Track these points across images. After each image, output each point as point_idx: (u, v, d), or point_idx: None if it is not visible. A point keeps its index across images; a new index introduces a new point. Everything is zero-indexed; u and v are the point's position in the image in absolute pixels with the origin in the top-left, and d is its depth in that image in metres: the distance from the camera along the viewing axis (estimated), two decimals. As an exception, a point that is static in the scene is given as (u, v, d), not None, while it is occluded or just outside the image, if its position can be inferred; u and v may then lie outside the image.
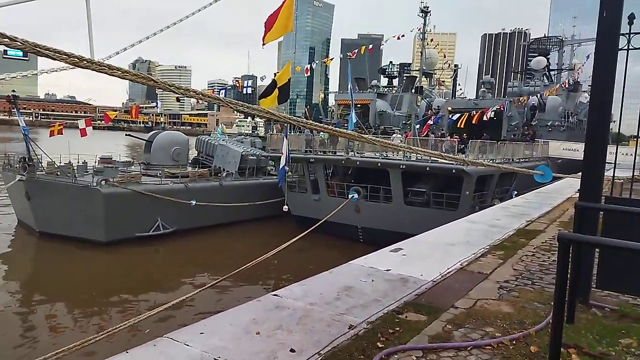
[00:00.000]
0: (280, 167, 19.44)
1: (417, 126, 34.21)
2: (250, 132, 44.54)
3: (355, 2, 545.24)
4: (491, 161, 21.08)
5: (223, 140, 30.76)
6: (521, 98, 35.36)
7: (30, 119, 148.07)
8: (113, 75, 2.93)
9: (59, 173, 20.78)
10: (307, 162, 24.21)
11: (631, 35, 4.51)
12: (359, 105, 36.84)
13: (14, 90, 21.38)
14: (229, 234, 23.69)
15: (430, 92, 47.39)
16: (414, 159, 21.48)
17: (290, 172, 25.10)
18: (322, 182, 24.10)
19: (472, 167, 18.74)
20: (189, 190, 23.02)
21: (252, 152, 29.67)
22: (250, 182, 27.10)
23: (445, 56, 47.14)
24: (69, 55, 2.69)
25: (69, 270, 17.63)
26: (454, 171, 20.37)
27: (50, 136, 20.80)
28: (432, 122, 34.02)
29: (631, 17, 4.60)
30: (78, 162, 23.14)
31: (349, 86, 24.67)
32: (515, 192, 21.42)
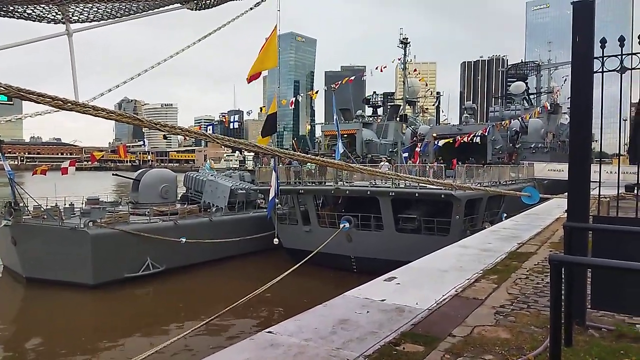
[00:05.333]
0: (270, 198, 19.41)
1: (406, 154, 34.58)
2: (238, 166, 44.56)
3: (337, 36, 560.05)
4: (478, 185, 21.27)
5: (211, 175, 30.70)
6: (503, 122, 36.09)
7: (16, 162, 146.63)
8: (98, 116, 2.92)
9: (45, 216, 20.46)
10: (296, 193, 24.20)
11: (604, 59, 4.66)
12: (345, 136, 37.28)
13: (-1, 135, 21.26)
14: (220, 270, 23.32)
15: (414, 120, 48.18)
16: (403, 186, 21.61)
17: (280, 205, 25.01)
18: (313, 212, 24.04)
19: (460, 191, 18.89)
20: (179, 227, 22.75)
21: (241, 186, 29.60)
22: (240, 217, 26.91)
23: (427, 84, 48.27)
24: (53, 98, 2.68)
25: (57, 315, 17.11)
26: (443, 196, 20.49)
27: (32, 174, 20.61)
28: (419, 149, 34.46)
29: (603, 41, 4.77)
30: (65, 205, 22.84)
31: (335, 117, 25.01)
32: (505, 215, 21.54)
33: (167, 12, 3.94)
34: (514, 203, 19.09)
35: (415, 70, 44.33)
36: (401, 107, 42.50)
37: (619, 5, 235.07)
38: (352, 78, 33.15)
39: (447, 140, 31.69)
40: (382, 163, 28.97)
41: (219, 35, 4.62)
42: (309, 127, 60.18)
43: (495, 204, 23.82)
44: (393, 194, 21.42)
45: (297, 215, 24.69)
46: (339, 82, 32.22)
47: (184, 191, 30.99)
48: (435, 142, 33.19)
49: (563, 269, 2.93)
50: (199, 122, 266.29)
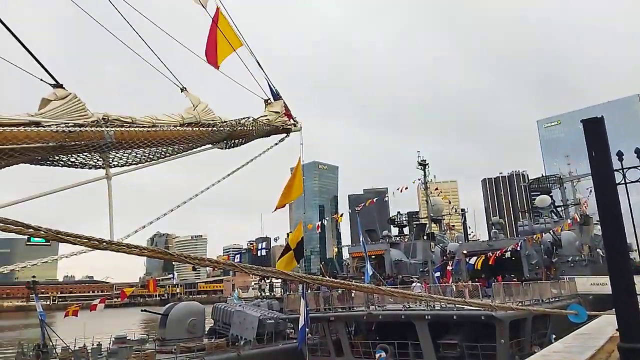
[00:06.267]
0: (299, 328, 18.60)
1: (437, 274, 33.50)
2: (267, 294, 43.69)
3: (357, 162, 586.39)
4: (520, 304, 20.06)
5: (240, 305, 30.03)
6: (535, 236, 35.23)
7: (48, 302, 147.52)
8: (131, 254, 3.01)
9: (72, 358, 20.04)
10: (327, 320, 23.18)
11: (625, 170, 4.69)
12: (373, 256, 36.75)
13: (34, 276, 22.08)
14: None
15: (442, 237, 47.57)
16: (439, 308, 20.53)
17: (310, 334, 23.84)
18: (345, 341, 22.73)
19: (501, 311, 17.77)
20: (205, 364, 21.67)
21: (270, 316, 28.65)
22: (269, 349, 25.56)
23: (450, 202, 48.51)
24: (89, 238, 2.81)
25: None
26: (483, 318, 19.25)
27: (65, 316, 20.68)
28: (451, 268, 33.41)
29: (620, 154, 4.83)
30: (92, 345, 22.39)
31: (361, 239, 24.97)
32: (554, 336, 19.89)
33: (199, 153, 4.28)
34: (562, 321, 17.73)
35: (436, 189, 45.03)
36: (427, 226, 42.33)
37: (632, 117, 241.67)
38: (375, 199, 33.76)
39: (480, 258, 30.80)
40: (414, 284, 27.97)
41: (245, 167, 4.91)
42: (335, 249, 60.03)
43: (541, 324, 22.15)
44: (429, 317, 20.29)
45: (329, 345, 23.35)
46: (362, 204, 32.82)
47: (212, 324, 30.14)
48: (467, 260, 32.25)
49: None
50: (227, 252, 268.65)
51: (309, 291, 25.73)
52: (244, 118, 4.77)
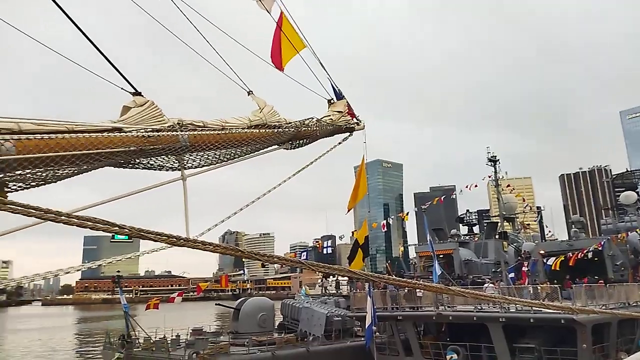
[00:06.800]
0: (367, 326, 18.57)
1: (512, 275, 32.01)
2: (333, 291, 43.99)
3: (422, 160, 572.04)
4: (603, 307, 18.69)
5: (307, 302, 30.53)
6: (619, 235, 32.62)
7: (131, 296, 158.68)
8: (206, 251, 3.20)
9: (154, 348, 21.41)
10: (394, 319, 22.93)
11: None
12: (441, 256, 35.80)
13: (118, 271, 23.93)
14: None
15: (516, 237, 45.35)
16: (514, 310, 19.61)
17: (377, 332, 23.71)
18: (414, 341, 22.35)
19: (583, 315, 16.63)
20: (276, 358, 22.30)
21: (337, 313, 28.85)
22: (337, 346, 25.72)
23: (524, 200, 46.12)
24: (167, 236, 3.02)
25: None
26: (563, 321, 18.13)
27: (146, 309, 22.12)
28: (527, 269, 31.77)
29: None
30: (172, 336, 23.80)
31: (428, 237, 24.43)
32: (643, 342, 18.36)
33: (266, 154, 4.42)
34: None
35: (508, 186, 43.00)
36: (499, 224, 40.57)
37: None
38: (443, 198, 32.89)
39: (559, 258, 29.04)
40: (486, 285, 26.91)
41: (309, 166, 5.00)
42: (402, 248, 59.26)
43: (628, 329, 20.49)
44: (504, 319, 19.43)
45: (398, 345, 23.08)
46: (429, 203, 32.08)
47: (281, 319, 30.94)
48: (545, 260, 30.50)
49: None
50: (294, 249, 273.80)
51: (375, 290, 25.63)
52: (308, 119, 4.86)
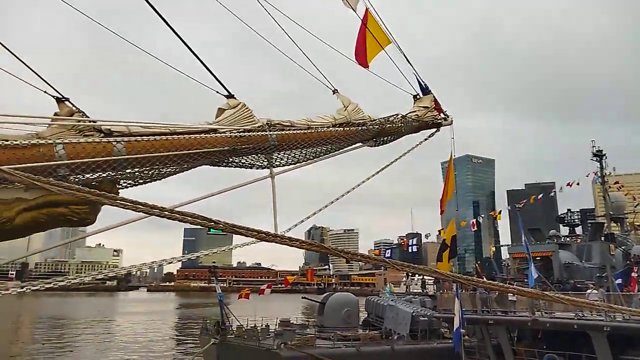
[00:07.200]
0: (454, 329, 17.96)
1: (619, 280, 29.10)
2: (420, 290, 43.10)
3: (517, 155, 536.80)
4: None
5: (392, 300, 30.25)
6: None
7: (225, 285, 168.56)
8: (292, 246, 3.33)
9: (245, 336, 22.59)
10: (485, 323, 21.91)
11: None
12: (538, 258, 33.49)
13: (214, 262, 25.55)
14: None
15: (625, 239, 41.06)
16: (621, 319, 17.83)
17: (467, 336, 22.81)
18: (507, 347, 21.17)
19: None
20: (361, 354, 22.39)
21: (423, 313, 28.22)
22: (424, 347, 25.17)
23: (634, 198, 41.59)
24: (257, 231, 3.19)
25: None
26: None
27: (238, 298, 23.46)
28: (637, 274, 28.67)
29: None
30: (262, 325, 24.92)
31: (523, 238, 22.97)
32: None
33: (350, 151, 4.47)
34: None
35: (616, 182, 39.06)
36: (605, 225, 36.99)
37: None
38: (540, 196, 30.70)
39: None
40: (589, 291, 24.69)
41: (394, 163, 4.96)
42: (493, 249, 56.32)
43: None
44: (609, 328, 17.74)
45: (488, 350, 22.04)
46: (525, 201, 30.11)
47: (366, 316, 30.96)
48: (661, 266, 27.28)
49: None
50: (378, 246, 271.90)
51: (464, 291, 24.65)
52: (392, 115, 4.82)
